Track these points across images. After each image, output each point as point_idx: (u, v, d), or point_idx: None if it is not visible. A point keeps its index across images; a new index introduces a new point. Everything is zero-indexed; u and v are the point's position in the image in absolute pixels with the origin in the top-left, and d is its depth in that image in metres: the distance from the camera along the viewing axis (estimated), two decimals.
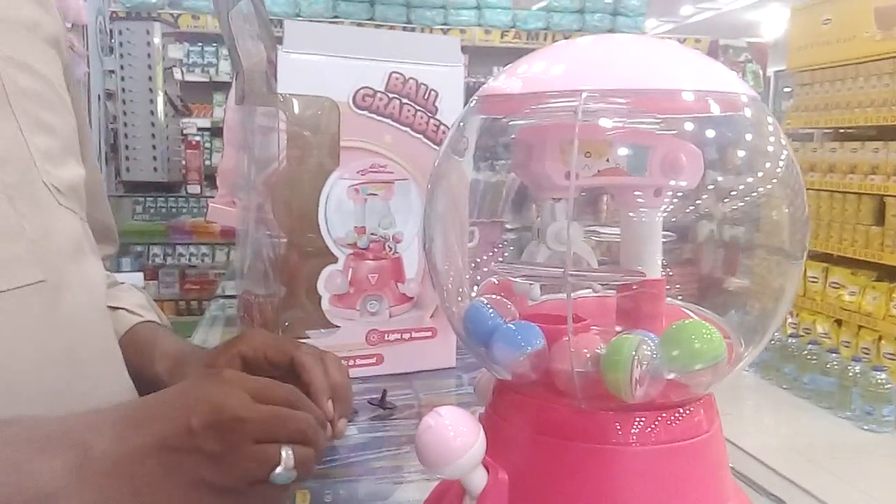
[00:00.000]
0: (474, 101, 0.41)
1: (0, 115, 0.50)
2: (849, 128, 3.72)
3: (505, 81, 0.38)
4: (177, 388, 0.49)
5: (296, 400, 0.50)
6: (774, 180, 0.42)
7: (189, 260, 3.81)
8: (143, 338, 0.70)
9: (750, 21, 5.86)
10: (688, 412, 0.39)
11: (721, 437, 0.40)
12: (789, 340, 3.70)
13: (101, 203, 0.74)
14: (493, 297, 0.44)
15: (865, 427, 3.18)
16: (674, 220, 0.41)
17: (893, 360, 3.25)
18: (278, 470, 0.46)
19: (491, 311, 0.42)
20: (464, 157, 0.43)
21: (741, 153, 0.41)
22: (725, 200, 0.41)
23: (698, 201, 0.42)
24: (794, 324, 3.83)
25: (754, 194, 0.41)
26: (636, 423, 0.38)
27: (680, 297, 0.44)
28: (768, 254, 0.43)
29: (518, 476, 0.39)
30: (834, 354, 3.43)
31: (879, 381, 3.12)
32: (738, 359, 0.40)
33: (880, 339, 3.32)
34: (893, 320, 3.23)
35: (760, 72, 5.49)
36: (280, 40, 0.76)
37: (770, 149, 0.42)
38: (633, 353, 0.36)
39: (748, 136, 0.41)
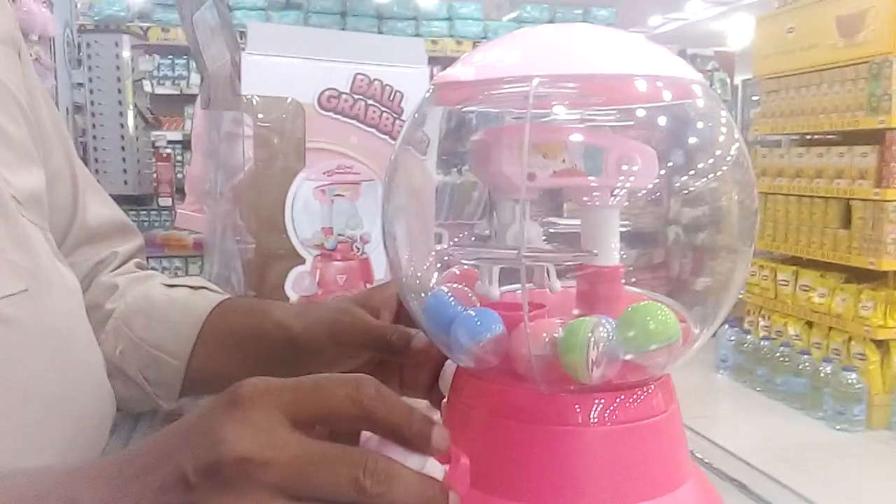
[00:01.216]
0: (429, 90, 0.41)
1: None
2: (814, 133, 3.79)
3: (459, 69, 0.39)
4: (185, 419, 0.36)
5: (383, 413, 0.34)
6: (725, 168, 0.42)
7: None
8: (244, 303, 0.65)
9: (717, 31, 5.97)
10: (645, 393, 0.39)
11: (679, 417, 0.41)
12: (762, 343, 3.76)
13: (104, 197, 0.71)
14: (454, 286, 0.45)
15: (838, 427, 3.23)
16: (628, 206, 0.42)
17: (863, 360, 3.30)
18: None
19: (451, 298, 0.43)
20: (420, 147, 0.44)
21: (694, 140, 0.42)
22: (678, 186, 0.42)
23: (653, 189, 0.42)
24: (766, 326, 3.89)
25: (706, 181, 0.42)
26: (595, 405, 0.39)
27: (636, 284, 0.44)
28: (721, 241, 0.44)
29: (481, 460, 0.39)
30: (805, 356, 3.48)
31: (850, 381, 3.17)
32: (693, 340, 0.41)
33: (850, 339, 3.38)
34: (862, 321, 3.29)
35: (728, 80, 5.58)
36: (244, 42, 0.76)
37: (722, 138, 0.43)
38: (590, 334, 0.37)
39: (700, 123, 0.42)
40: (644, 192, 0.42)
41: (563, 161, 0.40)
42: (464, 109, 0.42)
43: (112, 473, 0.35)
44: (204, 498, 0.32)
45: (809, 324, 3.67)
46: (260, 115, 0.78)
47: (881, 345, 3.29)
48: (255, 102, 0.77)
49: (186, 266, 3.77)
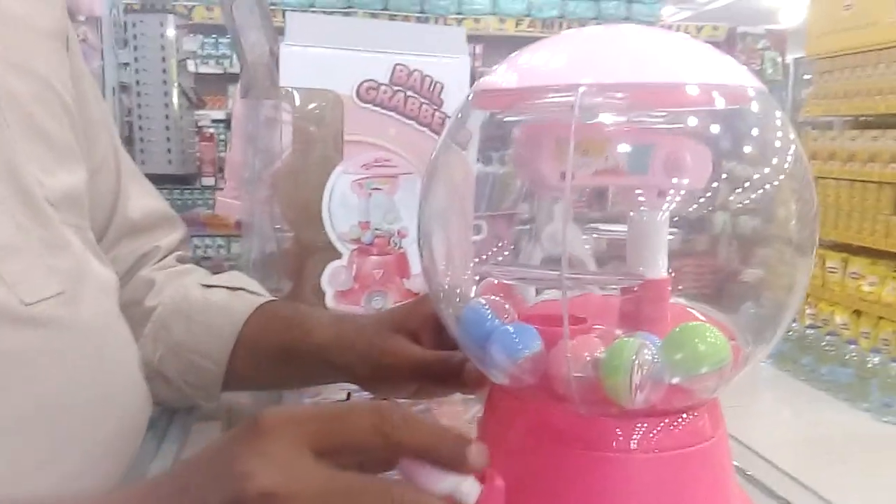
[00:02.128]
0: (471, 96, 0.39)
1: None
2: (869, 115, 3.65)
3: (501, 76, 0.37)
4: (207, 450, 0.35)
5: (409, 440, 0.34)
6: (783, 176, 0.40)
7: (205, 252, 3.81)
8: (284, 313, 0.63)
9: (768, 8, 5.78)
10: (691, 417, 0.38)
11: (726, 441, 0.39)
12: (807, 331, 3.65)
13: (147, 188, 0.70)
14: (492, 297, 0.43)
15: (885, 419, 3.14)
16: (678, 217, 0.40)
17: None
18: None
19: (489, 312, 0.41)
20: (461, 148, 0.42)
21: (748, 149, 0.40)
22: (732, 198, 0.39)
23: (704, 199, 0.40)
24: (813, 314, 3.79)
25: (762, 191, 0.39)
26: (637, 430, 0.37)
27: (685, 296, 0.42)
28: (777, 251, 0.42)
29: (515, 483, 0.38)
30: (852, 345, 3.38)
31: None
32: (744, 361, 0.39)
33: None
34: None
35: (779, 59, 5.41)
36: (282, 32, 0.75)
37: (778, 144, 0.40)
38: (634, 357, 0.35)
39: (755, 132, 0.39)
40: (694, 196, 0.40)
41: (606, 159, 0.38)
42: (505, 119, 0.40)
43: None
44: None
45: (858, 313, 3.56)
46: (297, 104, 0.77)
47: None
48: (294, 94, 0.76)
49: (229, 245, 3.80)
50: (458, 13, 4.10)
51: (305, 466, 0.32)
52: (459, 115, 0.43)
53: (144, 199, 0.69)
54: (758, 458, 0.62)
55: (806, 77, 5.13)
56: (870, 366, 3.25)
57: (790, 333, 3.76)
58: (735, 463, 0.61)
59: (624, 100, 0.34)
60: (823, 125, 4.13)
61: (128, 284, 0.66)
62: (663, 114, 0.39)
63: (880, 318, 3.38)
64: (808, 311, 3.84)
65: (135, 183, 0.69)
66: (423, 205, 0.43)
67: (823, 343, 3.58)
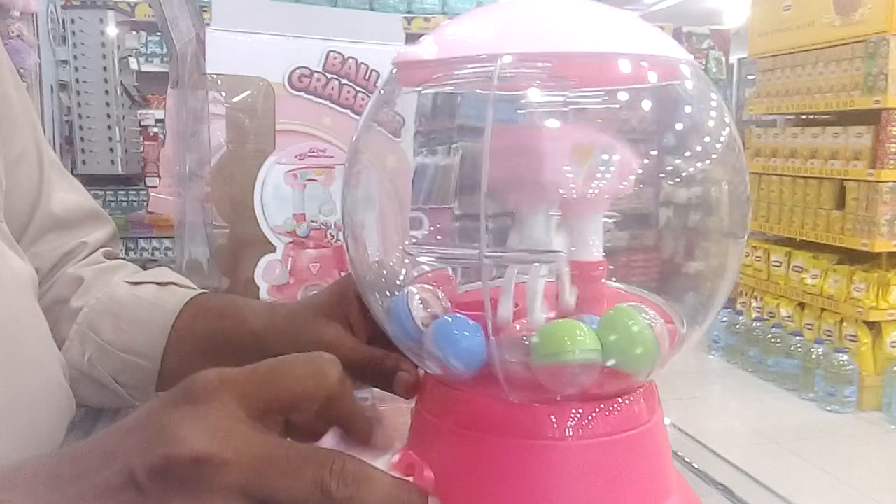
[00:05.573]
0: (393, 69, 0.37)
1: None
2: (810, 113, 3.75)
3: (423, 46, 0.35)
4: (133, 416, 0.33)
5: (345, 395, 0.33)
6: (715, 156, 0.39)
7: (151, 254, 3.72)
8: (216, 304, 0.60)
9: (712, 8, 5.89)
10: (627, 402, 0.36)
11: (662, 426, 0.38)
12: (754, 324, 3.74)
13: (72, 183, 0.67)
14: (424, 287, 0.41)
15: (828, 408, 3.23)
16: (612, 199, 0.38)
17: (855, 341, 3.29)
18: None
19: (420, 302, 0.39)
20: (391, 128, 0.40)
21: (681, 127, 0.38)
22: (663, 177, 0.38)
23: (638, 182, 0.39)
24: (759, 308, 3.87)
25: (695, 171, 0.38)
26: (572, 416, 0.35)
27: (617, 280, 0.41)
28: (711, 234, 0.41)
29: (446, 474, 0.36)
30: (797, 337, 3.47)
31: (841, 362, 3.16)
32: (680, 342, 0.37)
33: (842, 321, 3.36)
34: (854, 303, 3.27)
35: (723, 59, 5.53)
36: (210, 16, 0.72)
37: (712, 122, 0.39)
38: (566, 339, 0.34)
39: (688, 108, 0.38)
40: (628, 179, 0.38)
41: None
42: (423, 91, 0.38)
43: (49, 476, 0.32)
44: (155, 502, 0.29)
45: (802, 305, 3.65)
46: (224, 94, 0.74)
47: (873, 326, 3.28)
48: (219, 82, 0.73)
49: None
50: (409, 12, 4.08)
51: (242, 432, 0.31)
52: (381, 92, 0.41)
53: (69, 195, 0.66)
54: (706, 451, 0.62)
55: (750, 77, 5.25)
56: (814, 356, 3.34)
57: (738, 326, 3.84)
58: (681, 454, 0.60)
59: (548, 71, 0.33)
60: (766, 123, 4.23)
61: (53, 282, 0.63)
62: (593, 93, 0.37)
63: (823, 309, 3.47)
64: (754, 305, 3.93)
65: (59, 179, 0.66)
66: (346, 191, 0.41)
67: (770, 335, 3.66)
